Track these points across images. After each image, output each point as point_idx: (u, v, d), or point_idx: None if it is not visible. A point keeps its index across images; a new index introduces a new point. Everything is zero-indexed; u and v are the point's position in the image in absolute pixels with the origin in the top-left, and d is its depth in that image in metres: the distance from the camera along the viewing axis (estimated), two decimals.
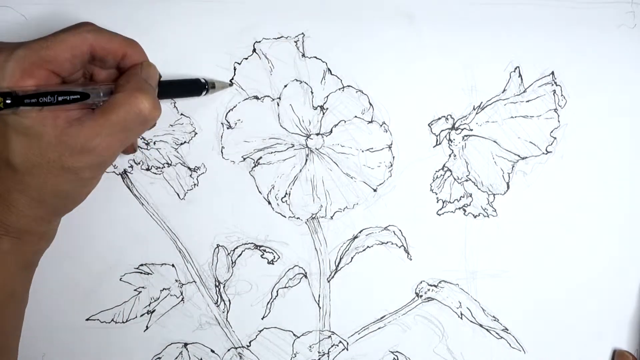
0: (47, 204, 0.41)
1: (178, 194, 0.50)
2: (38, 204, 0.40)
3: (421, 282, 0.52)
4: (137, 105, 0.38)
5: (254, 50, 0.49)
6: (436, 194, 0.51)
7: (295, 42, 0.49)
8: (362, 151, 0.50)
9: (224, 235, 0.51)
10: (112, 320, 0.51)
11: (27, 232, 0.42)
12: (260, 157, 0.50)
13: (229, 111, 0.49)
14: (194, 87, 0.46)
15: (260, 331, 0.52)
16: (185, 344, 0.52)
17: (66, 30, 0.40)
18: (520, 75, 0.50)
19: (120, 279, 0.51)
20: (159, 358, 0.52)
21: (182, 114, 0.49)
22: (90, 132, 0.38)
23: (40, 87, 0.38)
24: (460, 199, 0.51)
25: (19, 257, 0.42)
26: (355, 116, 0.50)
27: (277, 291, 0.51)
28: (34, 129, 0.37)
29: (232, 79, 0.49)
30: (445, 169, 0.51)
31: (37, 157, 0.38)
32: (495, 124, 0.50)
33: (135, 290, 0.51)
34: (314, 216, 0.50)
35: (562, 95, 0.50)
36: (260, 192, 0.50)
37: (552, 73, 0.50)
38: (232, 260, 0.51)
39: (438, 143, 0.50)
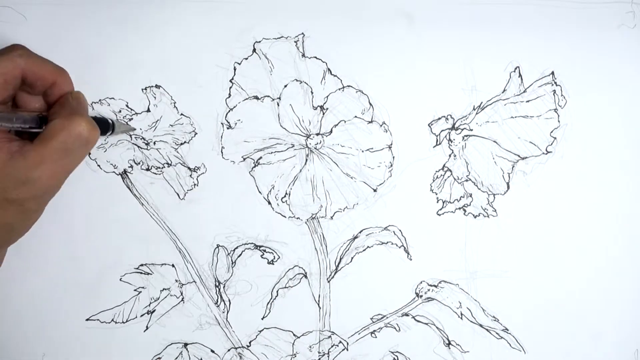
0: None
1: (178, 194, 0.50)
2: None
3: (421, 282, 0.52)
4: (75, 128, 0.38)
5: (254, 50, 0.49)
6: (436, 194, 0.51)
7: (295, 42, 0.49)
8: (362, 151, 0.50)
9: (224, 235, 0.51)
10: (112, 320, 0.51)
11: None
12: (260, 157, 0.50)
13: (229, 111, 0.49)
14: (101, 126, 0.45)
15: (260, 331, 0.52)
16: (185, 344, 0.52)
17: None
18: (520, 75, 0.50)
19: (120, 279, 0.51)
20: (159, 358, 0.52)
21: (182, 114, 0.49)
22: (33, 161, 0.37)
23: None
24: (460, 199, 0.51)
25: None
26: (355, 116, 0.50)
27: (277, 291, 0.51)
28: None
29: (232, 78, 0.49)
30: (445, 169, 0.51)
31: None
32: (495, 124, 0.50)
33: (135, 290, 0.51)
34: (314, 216, 0.50)
35: (562, 95, 0.50)
36: (260, 192, 0.50)
37: (552, 73, 0.50)
38: (232, 260, 0.51)
39: (438, 143, 0.50)
